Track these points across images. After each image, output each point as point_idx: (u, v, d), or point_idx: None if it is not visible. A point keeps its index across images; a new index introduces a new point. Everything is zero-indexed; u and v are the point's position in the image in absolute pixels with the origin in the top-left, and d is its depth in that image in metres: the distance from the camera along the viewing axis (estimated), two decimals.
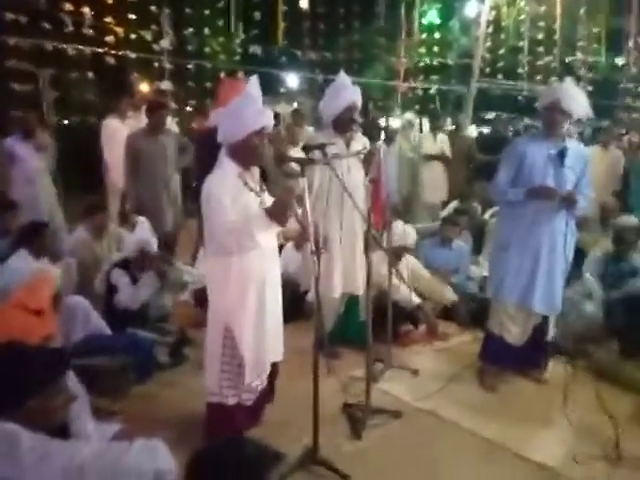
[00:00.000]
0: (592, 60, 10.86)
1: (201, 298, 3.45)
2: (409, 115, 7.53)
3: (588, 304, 3.92)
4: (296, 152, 5.32)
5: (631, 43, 9.69)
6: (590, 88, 10.75)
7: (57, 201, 5.10)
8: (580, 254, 3.80)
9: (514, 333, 3.38)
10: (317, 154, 2.85)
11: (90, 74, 8.02)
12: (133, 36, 8.24)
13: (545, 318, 3.41)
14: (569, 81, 3.32)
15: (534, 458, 2.72)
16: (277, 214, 2.50)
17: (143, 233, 3.95)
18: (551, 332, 3.46)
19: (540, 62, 11.33)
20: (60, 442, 1.73)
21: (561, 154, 3.17)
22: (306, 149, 2.96)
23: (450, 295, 4.44)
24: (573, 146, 3.27)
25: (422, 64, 12.10)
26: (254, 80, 2.60)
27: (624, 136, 7.14)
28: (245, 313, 2.58)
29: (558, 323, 3.53)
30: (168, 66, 7.82)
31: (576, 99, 3.18)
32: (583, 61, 10.88)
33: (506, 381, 3.49)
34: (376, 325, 3.30)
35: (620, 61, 10.02)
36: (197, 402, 2.79)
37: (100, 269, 3.99)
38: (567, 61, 10.92)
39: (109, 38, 8.09)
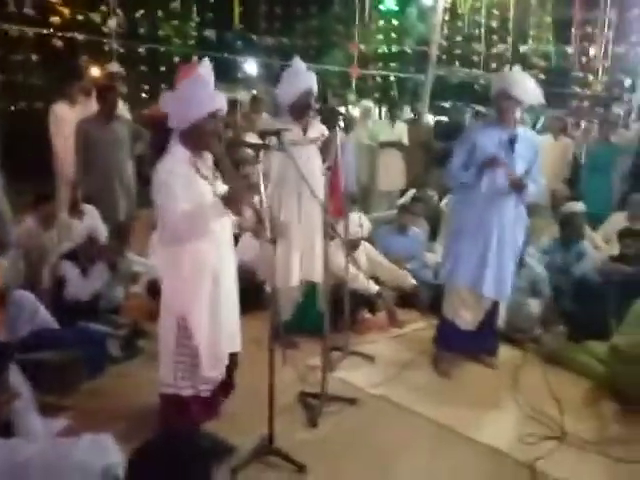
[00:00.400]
0: (544, 49, 11.11)
1: (154, 289, 3.38)
2: (367, 103, 7.54)
3: (532, 301, 4.00)
4: (253, 139, 5.26)
5: (574, 31, 10.00)
6: (543, 77, 11.01)
7: (2, 190, 4.88)
8: (530, 240, 3.91)
9: (466, 318, 3.46)
10: (273, 140, 2.81)
11: (35, 57, 7.65)
12: (80, 17, 7.88)
13: (495, 303, 3.50)
14: (517, 69, 3.38)
15: (484, 441, 2.80)
16: (232, 202, 2.46)
17: (92, 221, 3.83)
18: (502, 318, 3.55)
19: (495, 50, 11.51)
20: (2, 440, 1.67)
21: (511, 141, 3.24)
22: (262, 135, 2.92)
23: (410, 280, 4.48)
24: (524, 133, 3.35)
25: (380, 51, 12.09)
26: (206, 63, 2.54)
27: (578, 125, 7.35)
28: (200, 303, 2.53)
29: (508, 309, 3.63)
30: (117, 48, 7.52)
31: (525, 86, 3.24)
32: (536, 50, 11.13)
33: (459, 366, 3.56)
34: (334, 313, 3.31)
35: (570, 50, 10.29)
36: (151, 395, 2.73)
37: (49, 260, 3.85)
38: (521, 50, 11.14)
39: (55, 19, 7.72)
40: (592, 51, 10.13)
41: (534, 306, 3.96)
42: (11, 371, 1.92)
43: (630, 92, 10.50)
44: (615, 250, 4.26)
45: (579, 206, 5.12)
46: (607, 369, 3.32)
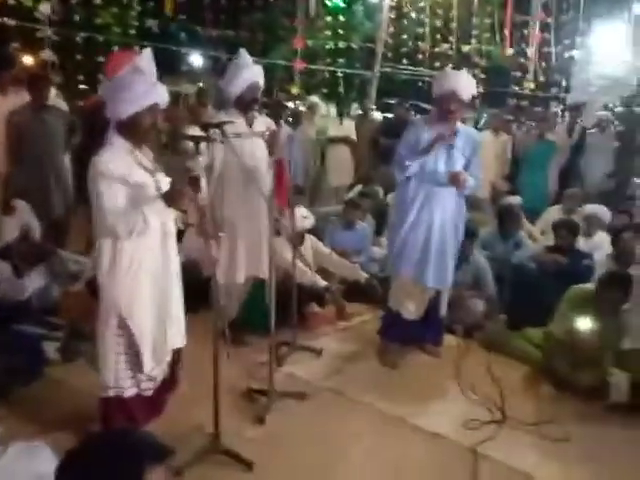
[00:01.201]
0: (485, 49, 11.46)
1: (95, 287, 3.24)
2: (314, 98, 7.54)
3: (477, 301, 4.10)
4: (197, 132, 5.13)
5: (507, 32, 10.38)
6: (483, 76, 11.36)
7: None
8: (471, 234, 4.02)
9: (410, 308, 3.53)
10: (216, 133, 2.75)
11: None
12: (11, 1, 7.44)
13: (438, 293, 3.58)
14: (465, 71, 3.52)
15: (430, 428, 2.87)
16: (172, 197, 2.40)
17: (24, 218, 3.64)
18: (444, 307, 3.64)
19: (439, 49, 11.77)
20: None
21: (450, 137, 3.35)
22: (205, 127, 2.85)
23: (362, 273, 4.50)
24: (463, 129, 3.47)
25: (327, 47, 12.11)
26: (147, 53, 2.46)
27: (516, 122, 7.62)
28: (139, 301, 2.46)
29: (451, 304, 3.72)
30: (51, 35, 7.15)
31: (469, 88, 3.39)
32: (477, 49, 11.46)
33: (404, 356, 3.63)
34: (282, 309, 3.29)
35: (511, 51, 10.68)
36: (92, 398, 2.63)
37: None
38: (463, 49, 11.44)
39: None
40: (529, 52, 10.53)
41: (478, 305, 4.07)
42: None
43: (565, 92, 11.02)
44: (551, 241, 4.45)
45: (517, 199, 5.34)
46: (543, 354, 3.47)
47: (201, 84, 9.25)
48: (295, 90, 10.01)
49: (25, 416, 2.73)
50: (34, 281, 3.47)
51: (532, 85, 10.69)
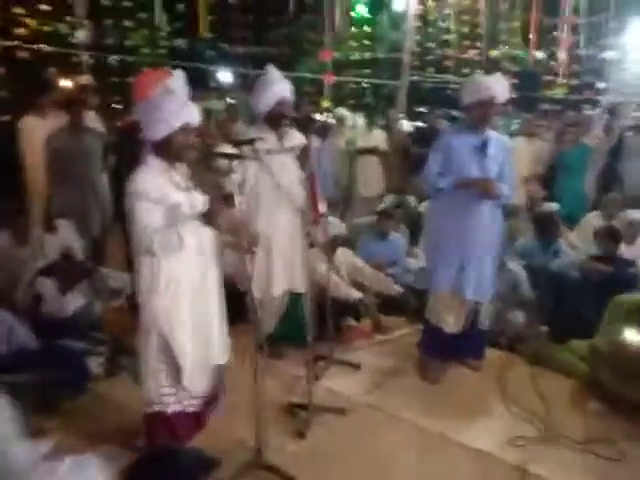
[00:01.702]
0: (514, 53, 11.35)
1: (135, 303, 3.31)
2: (342, 110, 7.56)
3: (517, 312, 4.02)
4: (228, 149, 5.20)
5: (533, 36, 10.26)
6: (514, 81, 11.22)
7: None
8: (507, 242, 3.95)
9: (450, 322, 3.46)
10: (247, 150, 2.78)
11: (1, 69, 7.49)
12: (47, 28, 7.73)
13: (478, 306, 3.51)
14: (499, 75, 3.44)
15: (474, 445, 2.81)
16: (209, 215, 2.43)
17: (66, 236, 3.74)
18: (485, 319, 3.57)
19: (466, 56, 11.70)
20: None
21: (484, 145, 3.30)
22: (236, 145, 2.89)
23: (394, 286, 4.47)
24: (494, 137, 3.40)
25: (353, 58, 12.17)
26: (178, 73, 2.51)
27: (549, 127, 7.48)
28: (179, 318, 2.49)
29: (492, 315, 3.64)
30: (87, 59, 7.38)
31: (506, 92, 3.33)
32: (506, 54, 11.35)
33: (445, 370, 3.56)
34: (318, 322, 3.28)
35: (540, 54, 10.53)
36: (136, 413, 2.66)
37: (23, 277, 3.74)
38: (491, 54, 11.35)
39: (20, 31, 7.57)
40: (561, 55, 10.36)
41: (518, 316, 3.99)
42: None
43: (597, 94, 10.79)
44: (591, 249, 4.32)
45: (554, 206, 5.22)
46: (589, 368, 3.36)
47: (230, 100, 9.39)
48: (326, 103, 10.08)
49: (72, 429, 2.79)
50: (77, 298, 3.55)
51: (564, 88, 10.52)
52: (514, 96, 9.44)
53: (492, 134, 3.39)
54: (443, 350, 3.53)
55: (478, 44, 11.09)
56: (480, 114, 3.31)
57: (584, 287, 3.90)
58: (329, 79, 10.32)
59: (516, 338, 3.87)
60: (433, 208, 3.59)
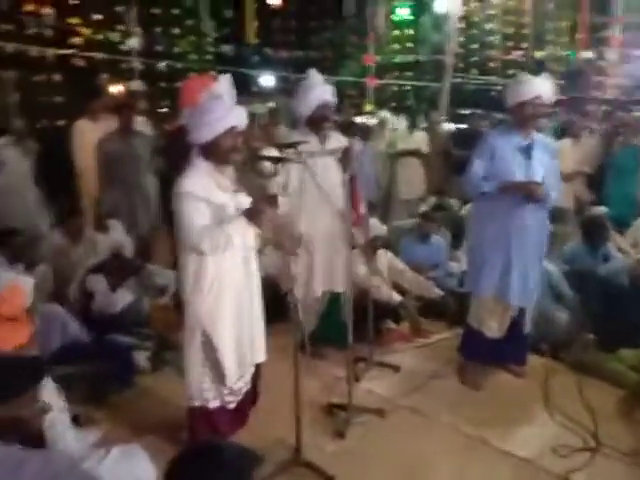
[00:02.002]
0: (561, 54, 11.06)
1: (180, 301, 3.41)
2: (384, 112, 7.56)
3: (560, 314, 3.92)
4: (271, 151, 5.27)
5: (581, 36, 9.94)
6: (562, 82, 10.94)
7: (40, 207, 5.02)
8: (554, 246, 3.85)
9: (493, 327, 3.41)
10: (290, 152, 2.83)
11: (57, 77, 7.86)
12: (99, 37, 8.08)
13: (522, 310, 3.45)
14: (545, 76, 3.37)
15: (516, 453, 2.75)
16: (253, 215, 2.48)
17: (117, 236, 3.88)
18: (528, 325, 3.50)
19: (511, 57, 11.49)
20: (33, 452, 1.68)
21: (529, 147, 3.24)
22: (280, 148, 2.94)
23: (436, 290, 4.44)
24: (540, 139, 3.33)
25: (395, 60, 12.14)
26: (225, 78, 2.56)
27: (597, 129, 7.27)
28: (222, 317, 2.55)
29: (534, 320, 3.56)
30: (137, 66, 7.66)
31: (551, 92, 3.26)
32: (552, 55, 11.07)
33: (487, 375, 3.51)
34: (358, 324, 3.30)
35: (588, 54, 10.22)
36: (179, 407, 2.75)
37: (76, 275, 3.91)
38: (537, 55, 11.10)
39: (75, 40, 7.94)
40: (610, 55, 10.02)
41: (562, 317, 3.89)
42: (45, 384, 1.95)
43: None
44: None
45: (603, 210, 5.06)
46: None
47: (272, 104, 9.52)
48: (368, 106, 10.09)
49: (118, 421, 2.91)
50: (126, 294, 3.69)
51: (613, 89, 10.18)
52: (561, 97, 9.22)
53: (537, 136, 3.32)
54: (484, 355, 3.47)
55: (523, 45, 10.86)
56: (524, 115, 3.24)
57: (634, 293, 3.77)
58: (372, 82, 10.32)
59: (559, 343, 3.77)
60: (477, 211, 3.54)
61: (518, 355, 3.56)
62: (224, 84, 2.54)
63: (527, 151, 3.23)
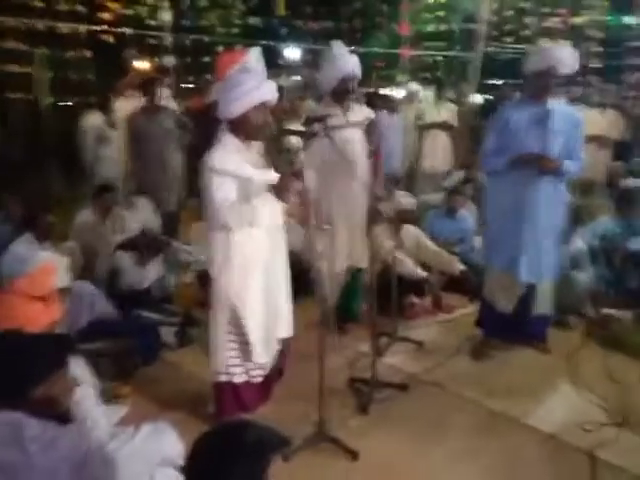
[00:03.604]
0: (600, 20, 10.54)
1: (205, 278, 3.44)
2: (413, 84, 7.38)
3: (579, 274, 3.84)
4: (298, 126, 5.24)
5: None
6: (600, 49, 10.46)
7: None
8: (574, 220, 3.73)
9: (502, 301, 3.37)
10: (317, 126, 2.79)
11: (87, 53, 7.91)
12: (129, 12, 8.06)
13: (533, 287, 3.35)
14: (566, 44, 3.20)
15: (541, 428, 2.73)
16: (280, 190, 2.47)
17: (145, 213, 3.93)
18: (543, 303, 3.40)
19: (547, 24, 11.02)
20: (65, 429, 1.74)
21: (545, 117, 3.09)
22: (307, 122, 2.90)
23: (458, 265, 4.39)
24: (560, 109, 3.16)
25: (427, 30, 11.80)
26: (255, 52, 2.49)
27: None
28: (250, 293, 2.56)
29: (554, 288, 3.47)
30: (168, 41, 7.62)
31: (571, 62, 3.08)
32: (591, 21, 10.56)
33: (510, 351, 3.47)
34: (381, 298, 3.28)
35: (629, 20, 9.71)
36: (205, 382, 2.80)
37: (103, 251, 3.99)
38: (575, 21, 10.61)
39: (104, 15, 7.94)
40: None
41: (581, 280, 3.79)
42: (74, 361, 2.00)
43: None
44: None
45: (638, 182, 4.87)
46: None
47: (299, 77, 9.41)
48: (399, 77, 9.86)
49: (145, 397, 2.96)
50: (153, 271, 3.75)
51: None
52: (599, 66, 8.82)
53: (557, 106, 3.15)
54: (500, 329, 3.43)
55: (560, 11, 10.39)
56: (540, 84, 3.10)
57: None
58: (406, 53, 10.02)
59: (586, 318, 3.68)
60: (490, 185, 3.45)
61: (536, 332, 3.49)
62: (254, 57, 2.48)
63: (543, 122, 3.09)
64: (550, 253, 3.25)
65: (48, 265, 3.03)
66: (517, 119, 3.14)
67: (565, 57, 3.07)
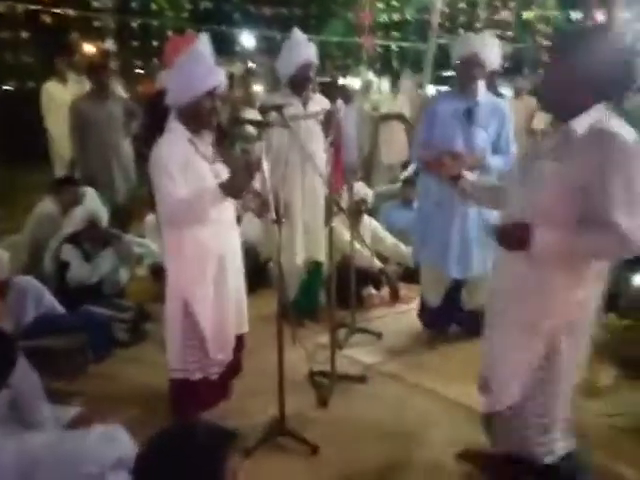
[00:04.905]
0: (548, 14, 10.86)
1: (159, 272, 3.34)
2: (369, 74, 7.40)
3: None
4: (252, 114, 5.14)
5: None
6: (547, 43, 10.77)
7: None
8: None
9: (430, 295, 3.45)
10: (274, 116, 2.73)
11: (25, 34, 7.48)
12: None
13: (461, 282, 3.37)
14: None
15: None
16: (232, 189, 2.39)
17: (92, 204, 3.76)
18: (472, 299, 3.40)
19: (498, 17, 11.26)
20: (7, 439, 1.64)
21: (470, 111, 3.08)
22: (262, 110, 2.82)
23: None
24: (487, 101, 3.14)
25: (381, 20, 11.82)
26: (204, 37, 2.43)
27: None
28: (204, 288, 2.50)
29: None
30: (110, 24, 7.30)
31: (493, 50, 3.09)
32: (540, 16, 10.87)
33: (467, 342, 3.51)
34: (339, 290, 3.27)
35: (575, 16, 10.06)
36: (160, 379, 2.71)
37: (50, 245, 3.79)
38: (524, 16, 10.89)
39: None
40: (598, 16, 9.84)
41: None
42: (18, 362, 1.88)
43: None
44: None
45: None
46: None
47: (250, 64, 9.23)
48: (357, 67, 9.80)
49: (98, 395, 2.85)
50: (102, 265, 3.59)
51: None
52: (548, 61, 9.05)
53: (484, 98, 3.12)
54: (435, 322, 3.52)
55: (511, 4, 10.64)
56: (464, 73, 3.08)
57: None
58: (368, 42, 9.91)
59: None
60: (420, 178, 3.46)
61: (471, 326, 3.28)
62: (203, 43, 2.40)
63: (468, 115, 3.07)
64: (480, 248, 3.20)
65: None
66: (444, 111, 3.10)
67: (487, 45, 3.05)
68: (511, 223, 1.80)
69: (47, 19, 7.13)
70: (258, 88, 6.70)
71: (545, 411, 1.95)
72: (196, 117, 2.41)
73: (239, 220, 3.77)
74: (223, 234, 2.54)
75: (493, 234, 1.85)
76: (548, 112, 1.91)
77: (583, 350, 1.95)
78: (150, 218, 4.44)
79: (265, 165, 2.40)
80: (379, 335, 3.61)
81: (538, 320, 1.85)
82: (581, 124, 1.72)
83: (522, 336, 1.88)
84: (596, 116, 1.72)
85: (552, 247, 1.73)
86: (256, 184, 2.61)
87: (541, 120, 5.94)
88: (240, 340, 2.75)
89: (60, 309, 3.25)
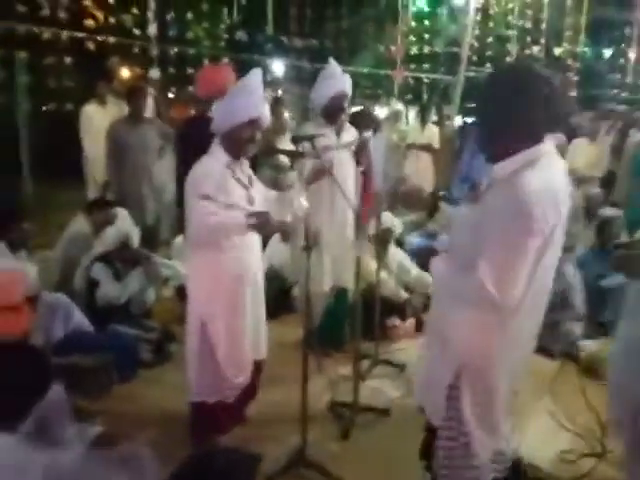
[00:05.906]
0: (579, 50, 10.86)
1: (184, 293, 3.36)
2: (397, 105, 7.47)
3: (574, 324, 3.85)
4: (284, 143, 5.22)
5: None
6: (576, 78, 10.74)
7: None
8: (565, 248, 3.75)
9: None
10: (307, 146, 2.78)
11: (68, 59, 7.77)
12: (113, 20, 7.97)
13: None
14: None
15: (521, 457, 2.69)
16: (259, 226, 2.46)
17: (124, 225, 3.84)
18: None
19: (528, 51, 11.29)
20: (36, 456, 1.64)
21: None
22: (295, 141, 2.87)
23: None
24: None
25: (412, 52, 11.99)
26: (257, 70, 2.53)
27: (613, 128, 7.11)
28: (218, 308, 2.52)
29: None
30: (154, 53, 7.54)
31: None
32: (570, 51, 10.88)
33: None
34: (364, 320, 3.25)
35: (606, 52, 10.03)
36: (181, 400, 2.72)
37: (81, 263, 3.86)
38: (555, 51, 10.91)
39: (88, 22, 7.83)
40: (631, 53, 9.79)
41: (576, 328, 3.80)
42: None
43: None
44: None
45: (617, 212, 4.94)
46: None
47: (280, 92, 9.39)
48: (384, 99, 9.93)
49: (120, 414, 2.87)
50: (131, 285, 3.64)
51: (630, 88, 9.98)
52: (575, 95, 9.07)
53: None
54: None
55: (541, 40, 10.68)
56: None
57: None
58: (399, 75, 10.08)
59: (569, 346, 3.69)
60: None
61: None
62: (254, 75, 2.50)
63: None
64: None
65: (14, 274, 2.92)
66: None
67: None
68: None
69: (91, 46, 7.41)
70: (286, 116, 6.80)
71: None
72: (235, 144, 2.50)
73: (265, 244, 3.81)
74: (244, 257, 2.57)
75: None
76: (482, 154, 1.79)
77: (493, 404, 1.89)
78: (178, 240, 4.50)
79: (300, 194, 2.44)
80: (402, 367, 3.56)
81: (445, 347, 1.83)
82: (504, 169, 1.65)
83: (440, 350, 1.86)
84: (522, 161, 1.61)
85: (441, 279, 1.80)
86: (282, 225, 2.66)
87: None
88: (258, 365, 2.75)
89: (89, 326, 3.30)
